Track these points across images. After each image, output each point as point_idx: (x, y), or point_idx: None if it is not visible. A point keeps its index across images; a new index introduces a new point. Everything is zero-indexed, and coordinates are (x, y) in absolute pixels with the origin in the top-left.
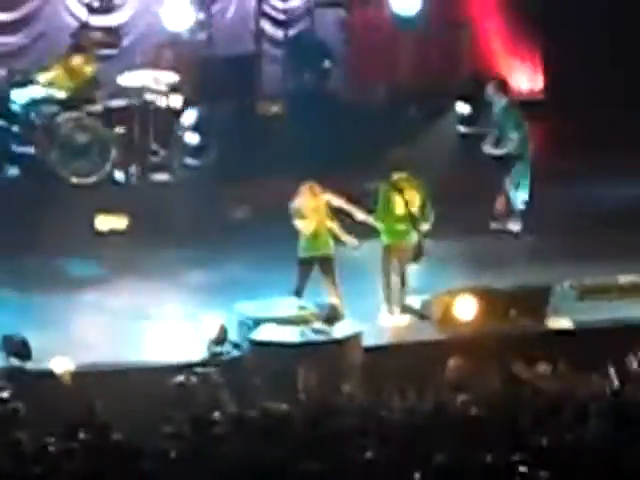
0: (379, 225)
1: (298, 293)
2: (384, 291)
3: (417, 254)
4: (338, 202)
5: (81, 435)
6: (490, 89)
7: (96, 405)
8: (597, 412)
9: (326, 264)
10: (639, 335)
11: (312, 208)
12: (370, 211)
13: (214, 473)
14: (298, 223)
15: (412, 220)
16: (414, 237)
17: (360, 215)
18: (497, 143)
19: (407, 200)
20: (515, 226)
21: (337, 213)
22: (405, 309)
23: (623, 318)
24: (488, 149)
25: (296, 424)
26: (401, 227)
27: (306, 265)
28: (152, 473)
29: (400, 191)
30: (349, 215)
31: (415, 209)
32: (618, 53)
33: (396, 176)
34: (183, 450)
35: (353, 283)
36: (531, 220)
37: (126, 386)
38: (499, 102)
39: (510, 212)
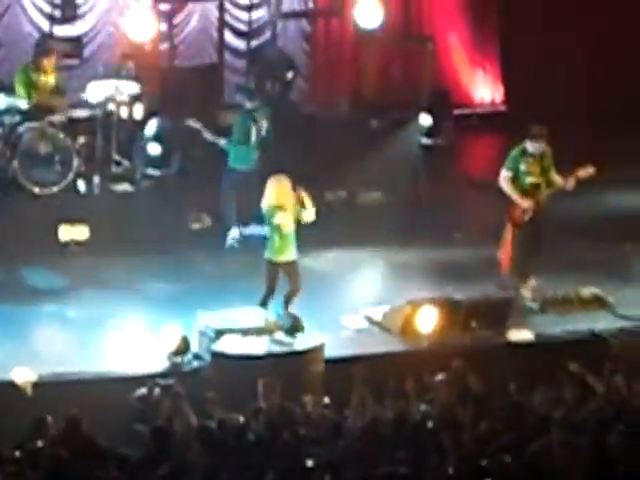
0: (230, 149)
1: (266, 299)
2: (228, 211)
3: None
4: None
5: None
6: (535, 135)
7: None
8: (555, 425)
9: (293, 267)
10: (601, 347)
11: (291, 202)
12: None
13: None
14: (279, 219)
15: (262, 146)
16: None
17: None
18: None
19: (260, 128)
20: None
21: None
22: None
23: (584, 330)
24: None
25: (255, 435)
26: (252, 154)
27: (276, 269)
28: None
29: (255, 121)
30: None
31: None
32: (580, 64)
33: (251, 105)
34: (144, 460)
35: (313, 294)
36: (495, 231)
37: (88, 397)
38: (540, 147)
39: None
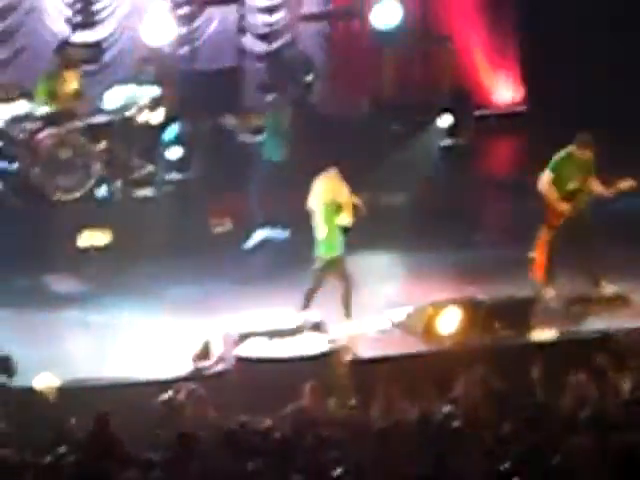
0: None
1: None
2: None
3: None
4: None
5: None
6: (583, 143)
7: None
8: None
9: (341, 262)
10: (623, 346)
11: (348, 197)
12: None
13: None
14: (343, 219)
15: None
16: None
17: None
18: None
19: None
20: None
21: None
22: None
23: (607, 329)
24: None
25: (280, 438)
26: (282, 145)
27: (340, 262)
28: None
29: (280, 113)
30: None
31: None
32: (600, 65)
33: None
34: (168, 465)
35: (336, 296)
36: (516, 232)
37: (111, 402)
38: (586, 154)
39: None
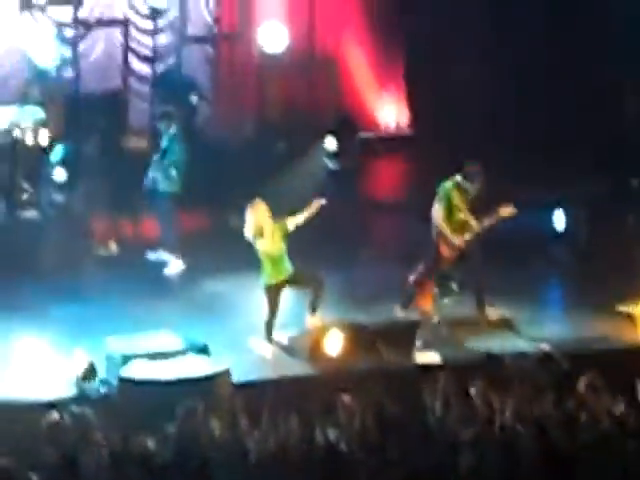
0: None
1: (271, 324)
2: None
3: None
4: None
5: None
6: (469, 174)
7: None
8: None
9: (295, 278)
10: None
11: (270, 225)
12: None
13: None
14: (260, 245)
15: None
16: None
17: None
18: None
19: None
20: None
21: None
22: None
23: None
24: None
25: (164, 460)
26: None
27: (276, 291)
28: None
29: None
30: None
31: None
32: (484, 86)
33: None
34: None
35: (220, 318)
36: (402, 253)
37: None
38: (474, 187)
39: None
